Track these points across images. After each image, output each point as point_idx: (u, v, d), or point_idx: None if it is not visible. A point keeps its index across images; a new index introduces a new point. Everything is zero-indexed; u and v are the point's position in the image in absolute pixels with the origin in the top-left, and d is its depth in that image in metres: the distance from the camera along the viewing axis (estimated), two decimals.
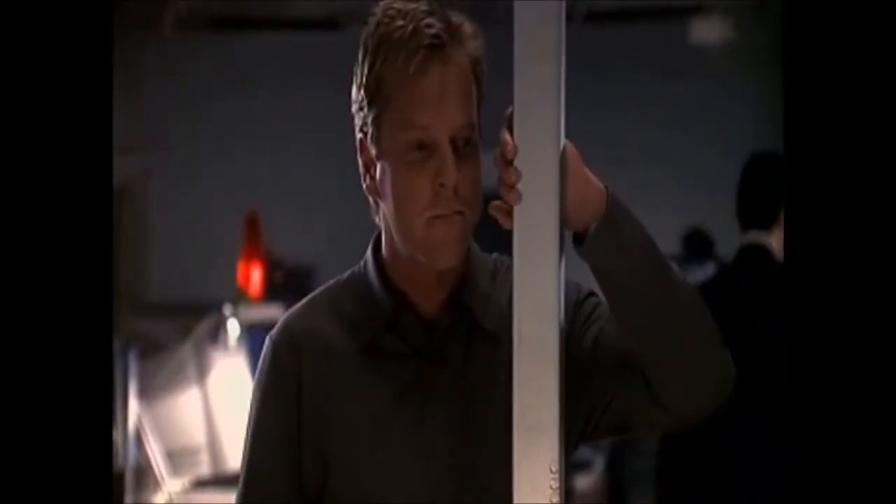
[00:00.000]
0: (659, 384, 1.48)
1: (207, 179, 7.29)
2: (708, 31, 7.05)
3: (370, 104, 1.54)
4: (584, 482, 5.82)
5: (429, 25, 1.51)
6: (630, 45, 7.18)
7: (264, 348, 1.63)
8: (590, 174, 1.49)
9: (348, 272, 1.66)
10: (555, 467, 1.46)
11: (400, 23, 1.51)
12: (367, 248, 1.64)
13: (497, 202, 1.48)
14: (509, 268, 1.60)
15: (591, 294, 1.60)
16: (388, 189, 1.54)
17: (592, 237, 1.46)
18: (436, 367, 1.56)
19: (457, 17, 1.54)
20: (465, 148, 1.52)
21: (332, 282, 1.67)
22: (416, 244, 1.54)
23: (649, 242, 1.49)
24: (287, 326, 1.63)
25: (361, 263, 1.64)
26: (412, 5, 1.53)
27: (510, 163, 1.47)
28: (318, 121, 6.65)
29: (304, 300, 1.66)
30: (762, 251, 3.07)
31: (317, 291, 1.67)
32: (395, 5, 1.53)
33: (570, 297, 1.57)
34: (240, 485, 1.63)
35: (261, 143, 7.34)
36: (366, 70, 1.54)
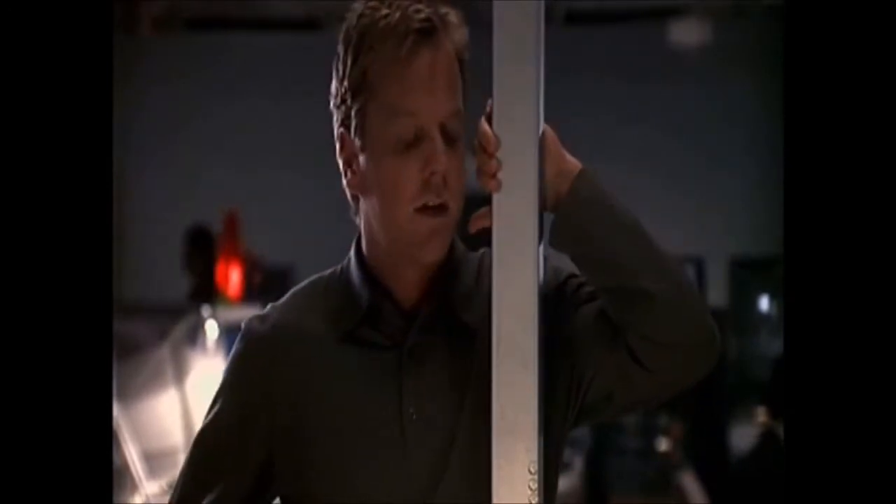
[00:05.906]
0: (640, 351, 1.47)
1: (186, 179, 7.27)
2: (687, 32, 7.06)
3: (354, 96, 1.51)
4: (564, 482, 5.83)
5: (417, 11, 1.49)
6: (609, 46, 7.19)
7: (239, 334, 1.62)
8: (567, 154, 1.49)
9: (330, 270, 1.65)
10: (534, 468, 1.46)
11: (385, 11, 1.49)
12: (345, 248, 1.63)
13: (478, 212, 1.49)
14: None
15: (572, 276, 1.58)
16: (373, 181, 1.52)
17: (562, 210, 1.47)
18: (413, 358, 1.55)
19: (443, 6, 1.52)
20: (453, 138, 1.51)
21: (314, 277, 1.66)
22: (401, 236, 1.52)
23: (622, 212, 1.48)
24: (264, 317, 1.62)
25: (345, 261, 1.64)
26: None
27: (491, 155, 1.46)
28: (298, 122, 6.64)
29: (287, 294, 1.65)
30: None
31: (299, 286, 1.65)
32: None
33: (550, 282, 1.56)
34: (186, 458, 1.62)
35: (239, 143, 7.32)
36: (349, 62, 1.51)
